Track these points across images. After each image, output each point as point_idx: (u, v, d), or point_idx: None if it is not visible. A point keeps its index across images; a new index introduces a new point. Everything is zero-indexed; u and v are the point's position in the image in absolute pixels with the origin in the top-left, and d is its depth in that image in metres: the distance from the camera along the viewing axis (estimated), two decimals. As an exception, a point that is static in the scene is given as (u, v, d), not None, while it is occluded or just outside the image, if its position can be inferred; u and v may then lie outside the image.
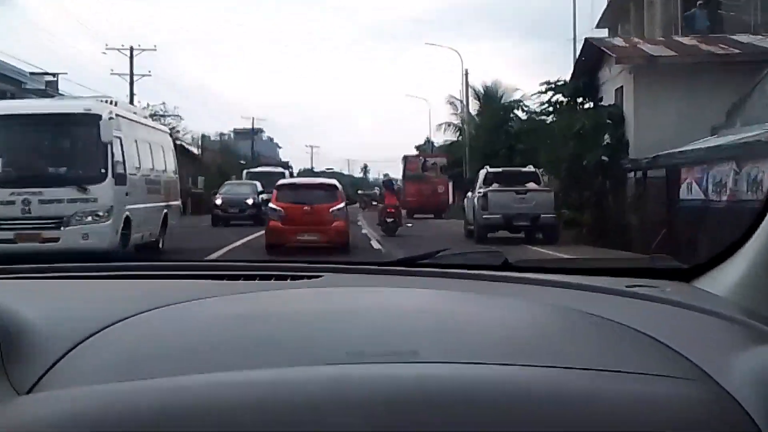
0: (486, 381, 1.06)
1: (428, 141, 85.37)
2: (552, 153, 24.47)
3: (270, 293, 1.65)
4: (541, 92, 26.30)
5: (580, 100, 25.44)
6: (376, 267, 2.01)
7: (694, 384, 1.07)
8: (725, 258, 1.60)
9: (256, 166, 51.43)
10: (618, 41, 26.53)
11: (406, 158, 47.88)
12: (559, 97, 25.59)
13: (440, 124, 52.59)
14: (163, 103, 50.51)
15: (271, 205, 18.54)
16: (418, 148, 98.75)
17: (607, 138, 22.34)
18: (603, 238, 19.95)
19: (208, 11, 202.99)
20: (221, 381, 1.06)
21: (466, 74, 45.24)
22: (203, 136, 66.32)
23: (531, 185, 22.74)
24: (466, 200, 25.56)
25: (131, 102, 35.74)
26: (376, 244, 20.80)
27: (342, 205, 18.41)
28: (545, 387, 1.05)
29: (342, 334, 1.30)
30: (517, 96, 41.87)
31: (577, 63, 26.27)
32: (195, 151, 57.00)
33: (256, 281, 1.80)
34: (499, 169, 24.26)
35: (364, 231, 25.69)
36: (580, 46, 26.40)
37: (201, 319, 1.40)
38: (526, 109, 39.22)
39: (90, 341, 1.24)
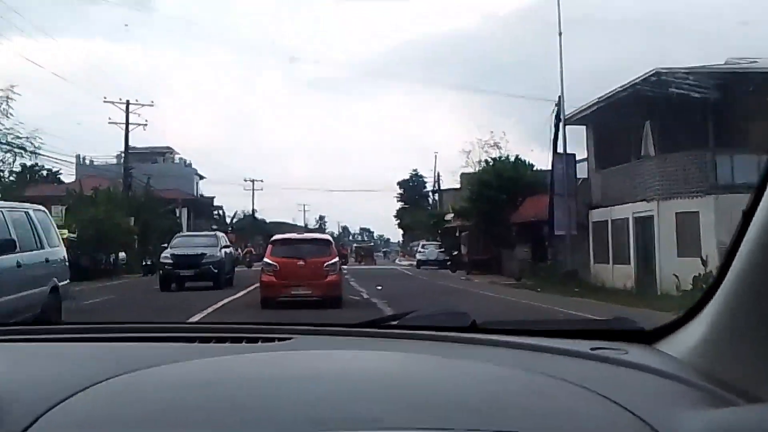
0: None
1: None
2: None
3: (238, 357, 1.65)
4: None
5: None
6: (345, 329, 2.04)
7: None
8: (687, 321, 1.61)
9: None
10: None
11: None
12: None
13: None
14: None
15: (265, 259, 19.05)
16: (402, 183, 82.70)
17: None
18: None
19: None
20: None
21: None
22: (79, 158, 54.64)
23: None
24: None
25: None
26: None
27: (335, 259, 18.69)
28: None
29: (306, 400, 1.30)
30: None
31: None
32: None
33: (227, 344, 1.82)
34: None
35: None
36: None
37: (168, 385, 1.42)
38: None
39: (58, 408, 1.24)
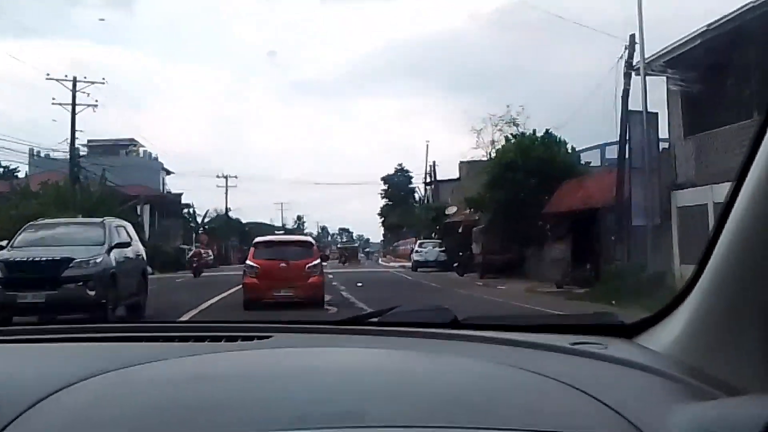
0: None
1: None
2: None
3: (218, 355, 1.64)
4: None
5: None
6: (326, 326, 2.04)
7: None
8: (666, 314, 1.61)
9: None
10: None
11: None
12: None
13: None
14: None
15: (248, 261, 18.69)
16: (386, 179, 78.81)
17: None
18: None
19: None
20: None
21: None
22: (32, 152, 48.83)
23: None
24: None
25: None
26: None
27: (317, 261, 18.87)
28: None
29: (288, 397, 1.30)
30: None
31: None
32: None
33: (206, 343, 1.79)
34: None
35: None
36: None
37: (147, 384, 1.42)
38: None
39: (38, 407, 1.25)
